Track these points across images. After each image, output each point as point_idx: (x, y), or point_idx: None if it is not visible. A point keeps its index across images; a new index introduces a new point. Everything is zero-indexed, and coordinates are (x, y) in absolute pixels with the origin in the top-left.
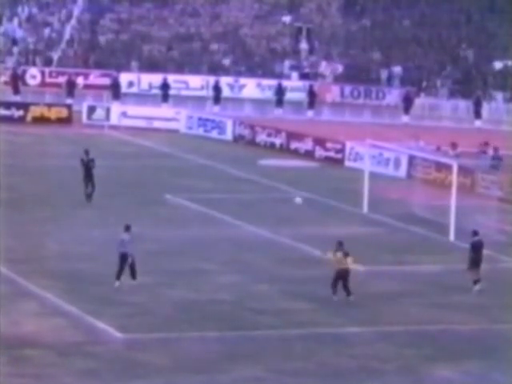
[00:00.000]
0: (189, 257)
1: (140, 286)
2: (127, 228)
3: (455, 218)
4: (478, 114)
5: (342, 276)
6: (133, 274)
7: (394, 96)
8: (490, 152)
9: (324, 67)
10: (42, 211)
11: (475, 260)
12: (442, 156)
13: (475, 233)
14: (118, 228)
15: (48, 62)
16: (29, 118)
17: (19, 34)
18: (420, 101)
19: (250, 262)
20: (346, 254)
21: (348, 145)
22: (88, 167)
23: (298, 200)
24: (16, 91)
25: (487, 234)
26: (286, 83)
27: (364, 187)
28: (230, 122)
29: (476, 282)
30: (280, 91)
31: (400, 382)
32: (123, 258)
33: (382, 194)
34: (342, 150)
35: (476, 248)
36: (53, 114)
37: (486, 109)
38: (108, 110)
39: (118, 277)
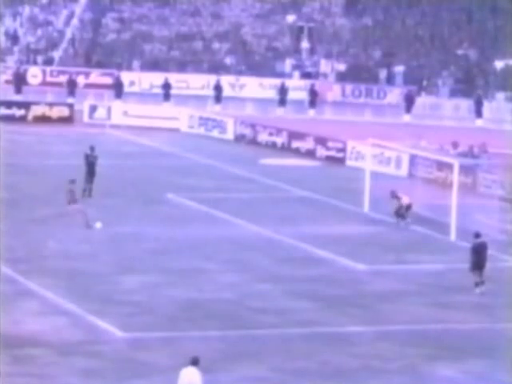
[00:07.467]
0: (190, 256)
1: (141, 285)
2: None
3: (456, 217)
4: (479, 114)
5: None
6: None
7: (395, 95)
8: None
9: (324, 66)
10: (43, 210)
11: (477, 262)
12: (444, 155)
13: (477, 235)
14: (119, 227)
15: (49, 61)
16: (30, 117)
17: (20, 32)
18: (421, 100)
19: (251, 261)
20: None
21: (349, 144)
22: (91, 163)
23: (99, 225)
24: (18, 90)
25: (488, 234)
26: (287, 82)
27: (365, 186)
28: (232, 121)
29: (478, 284)
30: (283, 91)
31: (402, 381)
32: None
33: (384, 193)
34: (343, 149)
35: (478, 250)
36: (54, 113)
37: (487, 108)
38: (109, 109)
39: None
